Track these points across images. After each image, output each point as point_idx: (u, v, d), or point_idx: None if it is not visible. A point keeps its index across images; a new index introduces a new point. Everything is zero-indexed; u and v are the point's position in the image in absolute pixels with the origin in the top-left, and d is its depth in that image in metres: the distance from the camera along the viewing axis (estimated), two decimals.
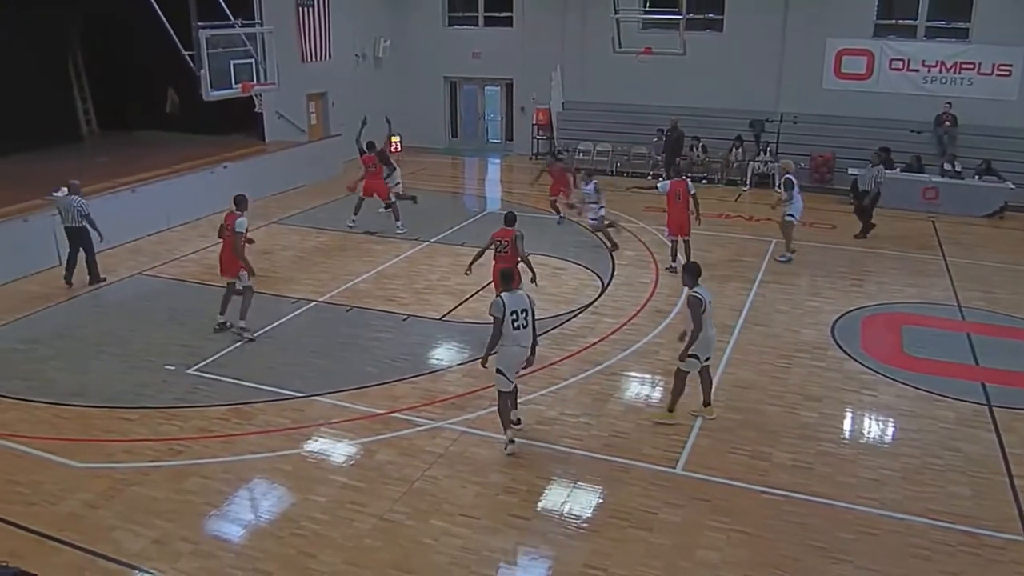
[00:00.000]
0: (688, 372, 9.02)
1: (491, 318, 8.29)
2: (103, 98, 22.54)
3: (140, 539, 7.13)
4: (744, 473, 8.22)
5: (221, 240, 11.52)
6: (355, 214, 16.44)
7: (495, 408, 9.10)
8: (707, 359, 9.06)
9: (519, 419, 8.93)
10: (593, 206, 15.21)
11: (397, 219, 16.28)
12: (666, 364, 10.67)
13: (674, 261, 14.24)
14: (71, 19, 21.33)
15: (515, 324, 8.23)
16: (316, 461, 8.47)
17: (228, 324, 11.52)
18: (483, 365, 8.72)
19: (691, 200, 13.92)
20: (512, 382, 8.48)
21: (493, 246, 11.00)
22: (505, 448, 8.52)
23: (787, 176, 15.34)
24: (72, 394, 9.78)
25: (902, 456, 8.60)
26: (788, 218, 14.95)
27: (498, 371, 8.40)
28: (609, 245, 15.32)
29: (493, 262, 10.98)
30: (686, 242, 14.21)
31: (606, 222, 15.36)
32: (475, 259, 11.14)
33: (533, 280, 11.06)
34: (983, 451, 8.68)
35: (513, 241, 10.85)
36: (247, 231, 11.25)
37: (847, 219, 17.69)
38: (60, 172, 15.80)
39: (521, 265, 10.77)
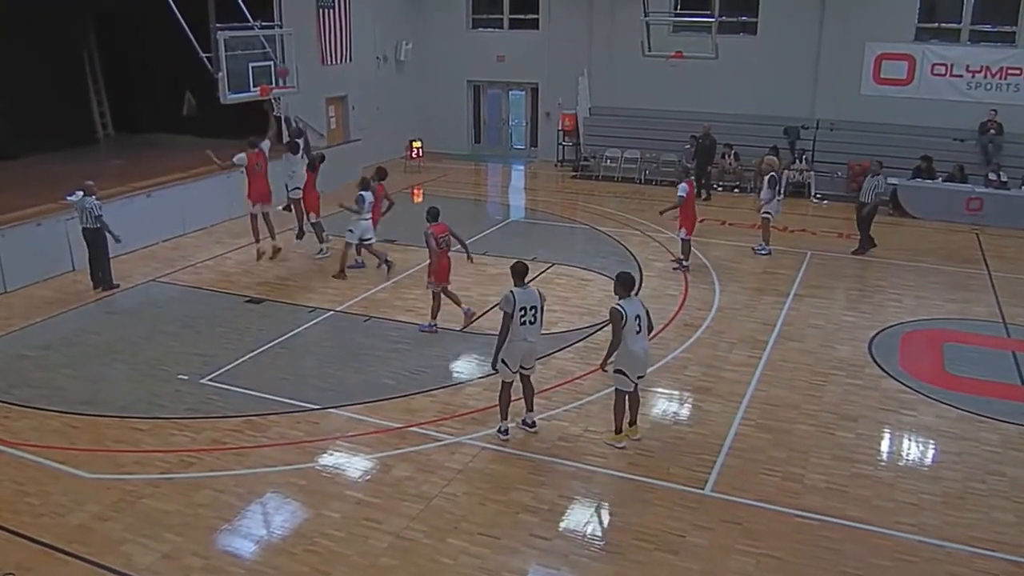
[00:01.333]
0: (624, 391, 8.90)
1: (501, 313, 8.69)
2: (119, 100, 22.81)
3: (150, 553, 7.18)
4: (775, 495, 8.15)
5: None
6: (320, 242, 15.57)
7: (517, 424, 9.14)
8: (639, 377, 8.90)
9: (534, 422, 9.15)
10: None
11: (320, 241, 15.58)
12: (695, 380, 10.64)
13: (687, 260, 14.98)
14: (87, 21, 21.65)
15: (523, 320, 8.61)
16: (331, 476, 8.49)
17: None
18: (494, 367, 8.97)
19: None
20: (514, 373, 8.86)
21: (437, 243, 11.76)
22: (498, 433, 8.97)
23: (772, 174, 15.71)
24: (83, 403, 9.89)
25: (943, 480, 8.50)
26: (766, 215, 15.83)
27: (502, 361, 8.78)
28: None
29: (440, 260, 11.85)
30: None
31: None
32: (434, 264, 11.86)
33: (470, 258, 12.48)
34: None
35: (450, 232, 11.91)
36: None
37: (886, 231, 17.54)
38: (75, 175, 15.99)
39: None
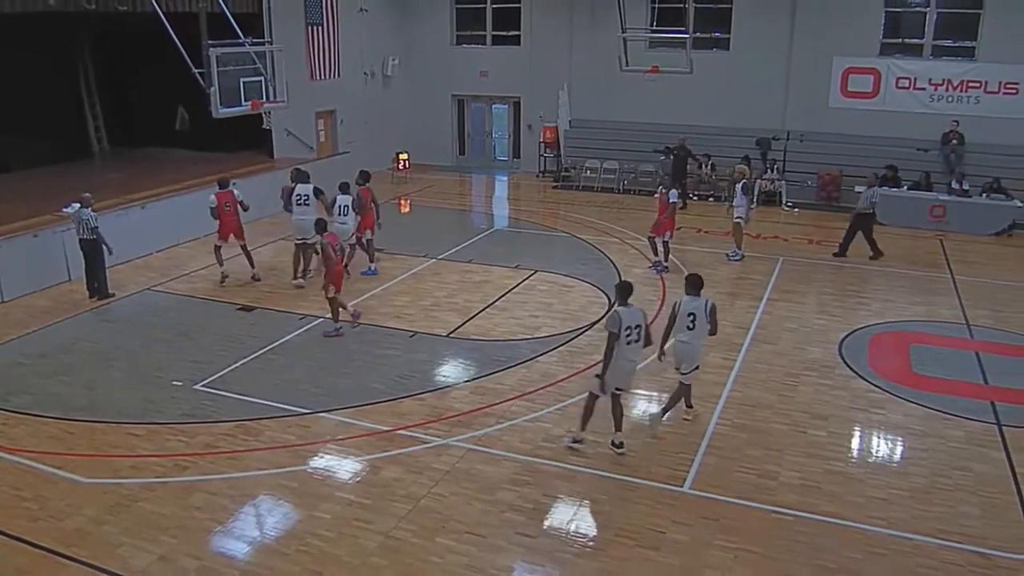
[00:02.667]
0: (594, 395, 8.77)
1: (605, 333, 8.59)
2: (114, 115, 22.71)
3: (146, 555, 7.12)
4: (752, 492, 8.17)
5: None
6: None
7: (502, 425, 9.13)
8: (618, 388, 8.76)
9: (622, 443, 8.80)
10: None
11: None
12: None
13: (661, 258, 15.44)
14: (82, 38, 21.52)
15: (628, 339, 8.44)
16: (322, 478, 8.45)
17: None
18: (601, 384, 8.64)
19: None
20: (605, 393, 8.68)
21: (333, 250, 11.90)
22: (571, 442, 8.85)
23: (744, 181, 15.90)
24: (79, 409, 9.80)
25: (911, 475, 8.55)
26: (738, 220, 15.92)
27: (597, 376, 8.65)
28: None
29: (337, 266, 11.99)
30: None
31: None
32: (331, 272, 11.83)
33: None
34: (993, 471, 8.62)
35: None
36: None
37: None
38: (71, 188, 15.89)
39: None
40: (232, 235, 14.34)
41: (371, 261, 15.00)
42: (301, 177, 14.40)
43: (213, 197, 14.15)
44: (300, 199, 14.04)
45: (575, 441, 8.88)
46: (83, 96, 22.11)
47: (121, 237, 14.17)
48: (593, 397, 8.76)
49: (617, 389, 8.77)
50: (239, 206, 14.29)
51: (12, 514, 7.69)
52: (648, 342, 8.80)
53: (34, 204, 15.26)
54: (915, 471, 8.62)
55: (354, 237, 14.37)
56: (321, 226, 12.16)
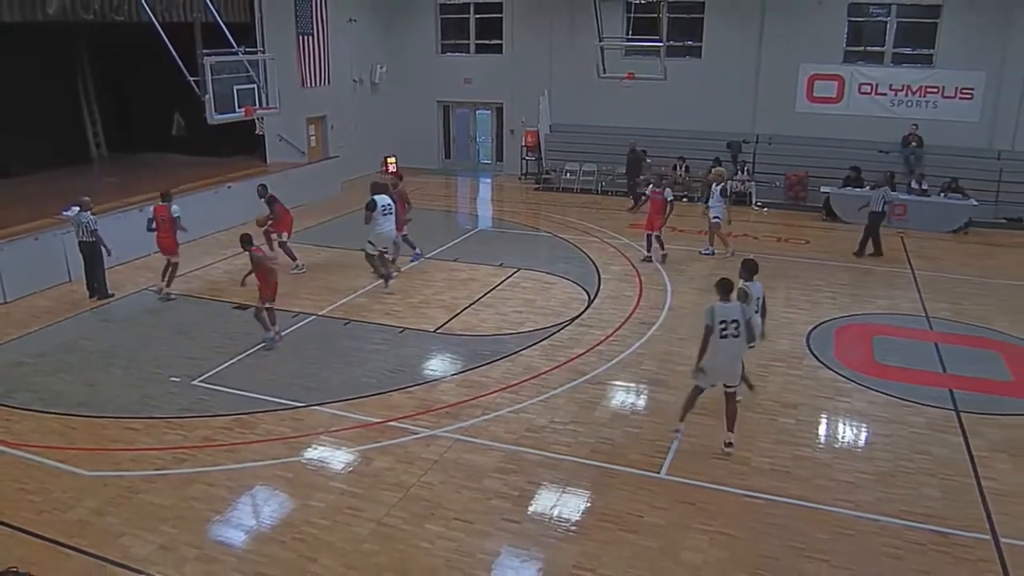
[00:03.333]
0: (698, 387, 8.73)
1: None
2: (112, 121, 22.50)
3: (147, 545, 7.07)
4: (725, 477, 8.21)
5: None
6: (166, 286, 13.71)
7: (487, 416, 9.12)
8: (726, 386, 8.61)
9: (731, 443, 8.57)
10: None
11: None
12: (651, 373, 10.70)
13: (653, 254, 15.75)
14: (82, 46, 21.30)
15: (723, 333, 8.32)
16: (316, 468, 8.42)
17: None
18: (701, 376, 8.60)
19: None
20: (711, 385, 8.62)
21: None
22: (672, 431, 8.86)
23: (724, 184, 16.03)
24: (80, 405, 9.72)
25: (875, 460, 8.62)
26: (715, 220, 15.97)
27: (700, 369, 8.57)
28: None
29: (273, 279, 11.47)
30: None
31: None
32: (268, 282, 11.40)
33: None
34: (951, 454, 8.71)
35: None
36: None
37: (820, 234, 17.82)
38: (71, 192, 15.74)
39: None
40: (167, 253, 13.48)
41: (413, 248, 15.33)
42: (379, 189, 13.83)
43: (151, 209, 13.51)
44: (386, 210, 13.61)
45: (675, 431, 8.90)
46: (82, 103, 21.89)
47: (119, 239, 14.02)
48: (697, 390, 8.73)
49: (726, 387, 8.60)
50: (175, 223, 13.33)
51: (17, 506, 7.62)
52: (752, 338, 8.69)
53: (35, 208, 15.11)
54: (879, 456, 8.70)
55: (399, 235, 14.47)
56: (247, 240, 11.40)
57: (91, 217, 13.12)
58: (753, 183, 21.24)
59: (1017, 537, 7.27)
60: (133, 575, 6.70)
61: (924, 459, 8.60)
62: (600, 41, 19.76)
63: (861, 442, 9.13)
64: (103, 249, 13.28)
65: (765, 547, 7.10)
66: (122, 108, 22.34)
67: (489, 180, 25.44)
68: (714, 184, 16.07)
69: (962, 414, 9.60)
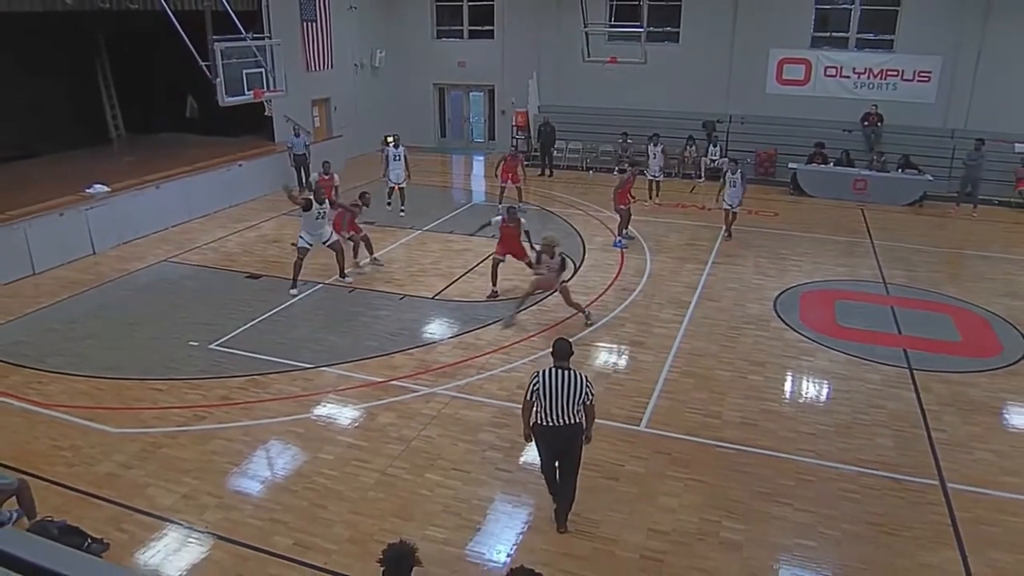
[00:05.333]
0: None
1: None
2: (130, 104, 22.16)
3: (171, 494, 7.14)
4: (699, 429, 8.30)
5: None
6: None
7: (482, 376, 9.13)
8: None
9: None
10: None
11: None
12: (631, 335, 10.75)
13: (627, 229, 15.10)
14: (99, 36, 20.95)
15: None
16: (324, 424, 8.48)
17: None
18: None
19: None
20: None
21: None
22: None
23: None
24: (107, 368, 9.72)
25: (835, 413, 8.72)
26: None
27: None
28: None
29: None
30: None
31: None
32: None
33: None
34: (904, 408, 8.82)
35: None
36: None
37: (787, 207, 17.84)
38: (92, 171, 15.64)
39: None
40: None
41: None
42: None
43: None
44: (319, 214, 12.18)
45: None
46: (101, 87, 21.55)
47: (139, 214, 13.93)
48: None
49: None
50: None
51: (50, 461, 7.66)
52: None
53: (59, 186, 14.95)
54: (839, 409, 8.80)
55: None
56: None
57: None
58: (726, 160, 21.06)
59: (962, 483, 7.40)
60: (158, 522, 6.76)
61: (879, 412, 8.71)
62: (585, 27, 19.52)
63: (823, 397, 9.23)
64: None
65: (735, 492, 7.21)
66: (139, 92, 21.98)
67: (482, 158, 25.24)
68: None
69: (915, 371, 9.71)
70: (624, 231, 15.02)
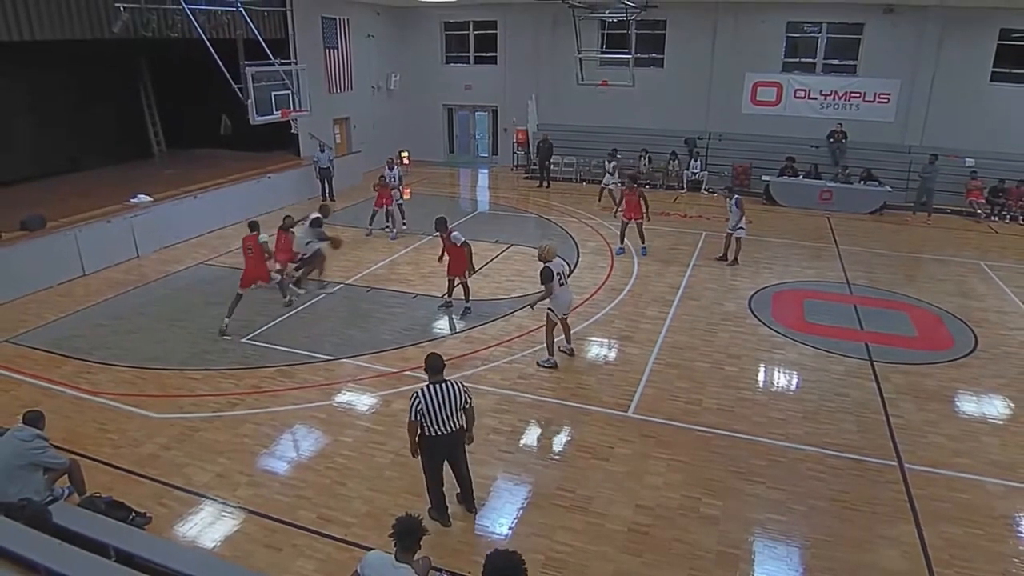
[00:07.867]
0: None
1: None
2: (170, 122, 22.23)
3: (206, 473, 7.15)
4: (680, 415, 8.30)
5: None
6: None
7: (486, 367, 9.12)
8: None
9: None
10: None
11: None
12: (620, 331, 10.74)
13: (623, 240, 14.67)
14: (141, 61, 20.98)
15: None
16: (345, 410, 8.48)
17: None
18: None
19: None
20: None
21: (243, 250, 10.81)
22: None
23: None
24: (149, 359, 9.73)
25: (803, 400, 8.71)
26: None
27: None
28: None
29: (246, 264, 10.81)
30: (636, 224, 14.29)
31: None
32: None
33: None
34: (866, 396, 8.81)
35: (258, 244, 10.73)
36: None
37: (761, 216, 17.79)
38: (136, 183, 15.64)
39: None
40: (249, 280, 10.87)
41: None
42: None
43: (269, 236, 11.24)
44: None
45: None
46: (144, 107, 21.59)
47: (178, 222, 13.93)
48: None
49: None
50: (264, 249, 10.85)
51: (98, 443, 7.68)
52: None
53: (106, 196, 14.97)
54: (806, 397, 8.79)
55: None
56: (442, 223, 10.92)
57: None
58: (706, 173, 21.13)
59: (918, 463, 7.39)
60: (195, 498, 6.78)
61: (843, 400, 8.70)
62: (579, 53, 19.49)
63: (792, 386, 9.21)
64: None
65: (712, 471, 7.20)
66: (178, 111, 22.03)
67: (486, 171, 25.22)
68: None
69: (875, 363, 9.70)
70: (634, 240, 14.52)
